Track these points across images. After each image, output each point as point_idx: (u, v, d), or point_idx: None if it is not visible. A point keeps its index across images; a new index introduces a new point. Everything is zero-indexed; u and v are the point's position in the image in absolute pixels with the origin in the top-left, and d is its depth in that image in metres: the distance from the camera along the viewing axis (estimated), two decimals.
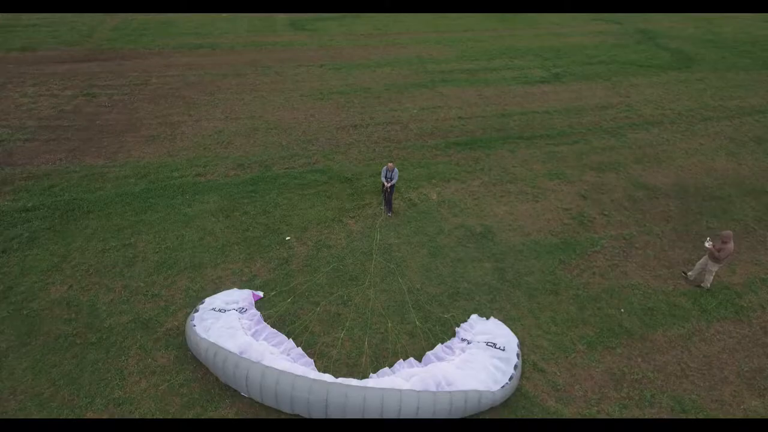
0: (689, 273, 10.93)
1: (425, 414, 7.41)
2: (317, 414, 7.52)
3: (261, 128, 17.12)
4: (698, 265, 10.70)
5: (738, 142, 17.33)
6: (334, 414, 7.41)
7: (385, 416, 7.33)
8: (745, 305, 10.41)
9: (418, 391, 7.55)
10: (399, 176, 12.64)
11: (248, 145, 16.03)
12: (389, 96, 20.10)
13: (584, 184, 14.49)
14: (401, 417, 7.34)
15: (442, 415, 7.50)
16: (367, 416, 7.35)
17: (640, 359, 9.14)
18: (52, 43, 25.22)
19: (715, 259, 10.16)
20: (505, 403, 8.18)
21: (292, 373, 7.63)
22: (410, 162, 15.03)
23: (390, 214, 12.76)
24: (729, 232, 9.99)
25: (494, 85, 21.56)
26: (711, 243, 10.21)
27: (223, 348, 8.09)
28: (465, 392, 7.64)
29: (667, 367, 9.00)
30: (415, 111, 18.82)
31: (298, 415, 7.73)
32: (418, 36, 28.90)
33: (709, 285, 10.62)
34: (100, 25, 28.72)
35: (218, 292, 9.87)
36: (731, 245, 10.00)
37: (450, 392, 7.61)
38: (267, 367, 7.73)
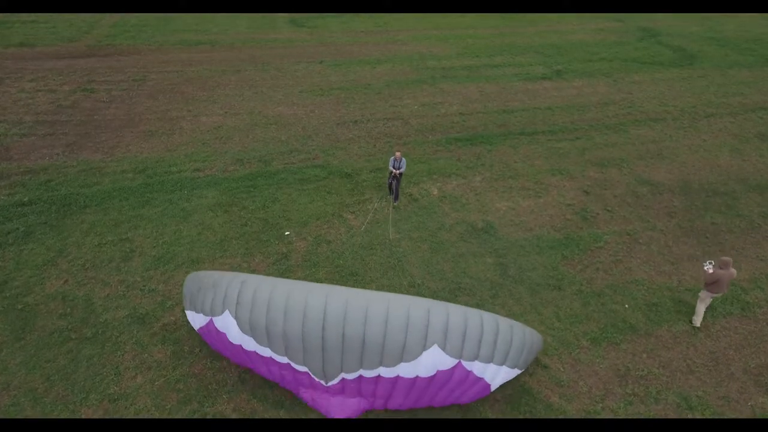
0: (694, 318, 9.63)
1: (438, 318, 6.89)
2: (333, 326, 6.81)
3: (260, 124, 16.96)
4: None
5: (741, 138, 17.17)
6: (353, 315, 6.81)
7: (391, 321, 6.80)
8: (751, 301, 10.26)
9: (428, 299, 7.31)
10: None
11: (247, 140, 15.87)
12: (390, 92, 19.93)
13: (587, 180, 14.34)
14: (410, 319, 6.83)
15: (457, 323, 6.93)
16: (383, 322, 6.82)
17: (645, 355, 9.00)
18: (50, 39, 25.02)
19: (706, 285, 9.12)
20: (509, 399, 8.05)
21: (308, 283, 7.38)
22: (411, 157, 14.87)
23: (396, 202, 12.77)
24: (728, 259, 8.88)
25: (495, 82, 21.39)
26: (711, 267, 8.97)
27: (226, 274, 7.80)
28: (480, 312, 7.30)
29: (672, 363, 8.86)
30: (415, 107, 18.66)
31: (308, 337, 6.96)
32: (418, 33, 28.72)
33: (698, 323, 9.48)
34: (99, 21, 28.55)
35: None
36: (724, 272, 8.85)
37: (465, 308, 7.25)
38: (279, 280, 7.47)
